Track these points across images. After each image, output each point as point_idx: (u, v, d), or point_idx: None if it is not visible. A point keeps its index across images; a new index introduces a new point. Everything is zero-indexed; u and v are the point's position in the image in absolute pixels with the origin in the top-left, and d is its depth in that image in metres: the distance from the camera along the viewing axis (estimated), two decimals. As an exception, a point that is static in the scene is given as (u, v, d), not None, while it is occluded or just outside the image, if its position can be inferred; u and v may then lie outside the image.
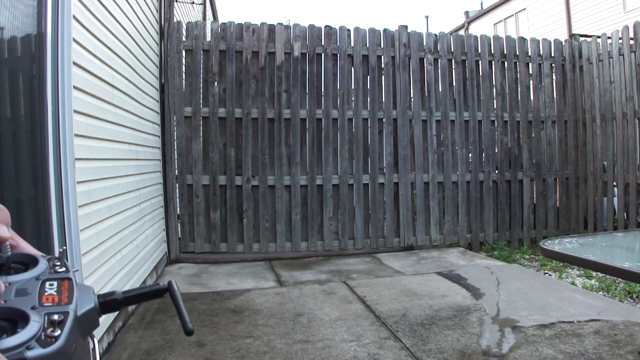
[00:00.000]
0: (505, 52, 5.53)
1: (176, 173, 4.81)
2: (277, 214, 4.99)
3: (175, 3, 4.91)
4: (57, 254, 0.62)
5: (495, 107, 5.53)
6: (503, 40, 5.59)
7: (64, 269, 0.58)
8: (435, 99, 5.33)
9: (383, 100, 5.23)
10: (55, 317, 0.49)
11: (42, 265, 0.57)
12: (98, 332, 2.45)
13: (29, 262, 0.57)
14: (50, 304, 0.51)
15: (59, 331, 0.47)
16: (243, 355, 2.52)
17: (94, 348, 0.61)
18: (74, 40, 2.23)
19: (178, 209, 4.82)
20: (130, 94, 3.48)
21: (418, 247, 5.24)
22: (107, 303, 0.61)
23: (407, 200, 5.25)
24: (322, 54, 5.12)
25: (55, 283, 0.54)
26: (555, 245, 1.99)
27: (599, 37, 5.49)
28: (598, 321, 2.88)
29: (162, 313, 3.14)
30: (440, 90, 5.36)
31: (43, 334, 0.47)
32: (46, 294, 0.52)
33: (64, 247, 0.69)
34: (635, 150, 5.08)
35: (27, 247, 0.62)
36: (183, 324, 0.62)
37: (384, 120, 5.21)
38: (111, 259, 2.81)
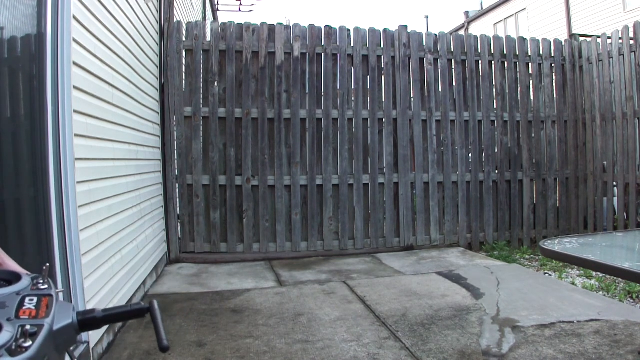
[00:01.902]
0: (505, 52, 5.53)
1: (176, 173, 4.81)
2: (277, 214, 4.99)
3: (175, 3, 4.91)
4: (57, 257, 0.63)
5: (495, 107, 5.53)
6: (503, 40, 5.59)
7: (46, 286, 0.58)
8: (435, 99, 5.33)
9: (383, 100, 5.23)
10: (28, 327, 0.49)
11: (25, 282, 0.58)
12: (98, 333, 2.45)
13: (12, 279, 0.58)
14: (27, 317, 0.52)
15: (30, 342, 0.48)
16: (243, 355, 2.52)
17: None
18: (74, 40, 2.23)
19: (178, 209, 4.82)
20: (130, 94, 3.48)
21: (418, 247, 5.24)
22: (87, 320, 0.61)
23: (407, 200, 5.25)
24: (322, 54, 5.12)
25: (35, 299, 0.55)
26: (555, 245, 1.99)
27: (599, 37, 5.49)
28: (598, 321, 2.89)
29: (162, 313, 3.11)
30: (440, 90, 5.36)
31: (14, 344, 0.47)
32: (24, 308, 0.53)
33: (47, 265, 0.70)
34: (635, 150, 5.08)
35: (12, 265, 0.63)
36: (159, 341, 0.65)
37: (384, 120, 5.21)
38: (111, 259, 2.81)
